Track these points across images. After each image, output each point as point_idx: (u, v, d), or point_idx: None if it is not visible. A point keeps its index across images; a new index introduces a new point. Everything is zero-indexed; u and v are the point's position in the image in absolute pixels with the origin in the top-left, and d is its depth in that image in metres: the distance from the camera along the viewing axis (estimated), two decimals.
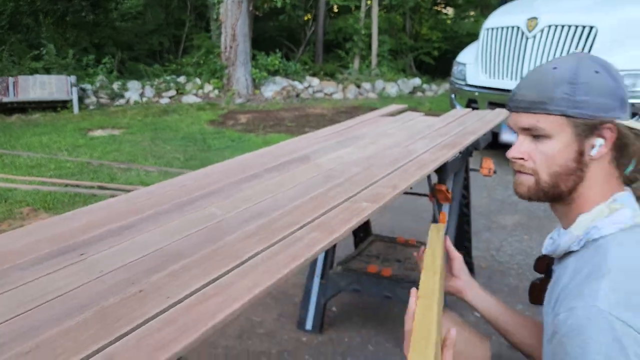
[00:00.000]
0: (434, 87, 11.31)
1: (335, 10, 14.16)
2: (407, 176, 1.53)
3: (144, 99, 9.25)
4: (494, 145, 4.06)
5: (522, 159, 1.03)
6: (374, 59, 11.65)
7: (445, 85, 10.95)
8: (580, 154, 0.99)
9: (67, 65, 9.29)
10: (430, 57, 13.23)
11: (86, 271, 0.92)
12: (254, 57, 10.16)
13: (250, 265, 0.94)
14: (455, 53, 13.82)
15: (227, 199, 1.33)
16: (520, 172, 1.05)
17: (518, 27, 5.17)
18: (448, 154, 1.85)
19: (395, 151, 1.88)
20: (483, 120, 2.61)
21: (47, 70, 9.11)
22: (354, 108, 8.89)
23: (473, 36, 13.92)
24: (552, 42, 4.92)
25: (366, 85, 10.56)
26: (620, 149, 1.00)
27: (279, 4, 9.30)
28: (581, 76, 0.98)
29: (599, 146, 0.99)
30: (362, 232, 2.85)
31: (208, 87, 9.65)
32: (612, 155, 1.01)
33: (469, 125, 2.48)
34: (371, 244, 2.79)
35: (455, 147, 1.97)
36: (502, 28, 5.34)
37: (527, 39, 5.09)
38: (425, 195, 2.29)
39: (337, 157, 1.80)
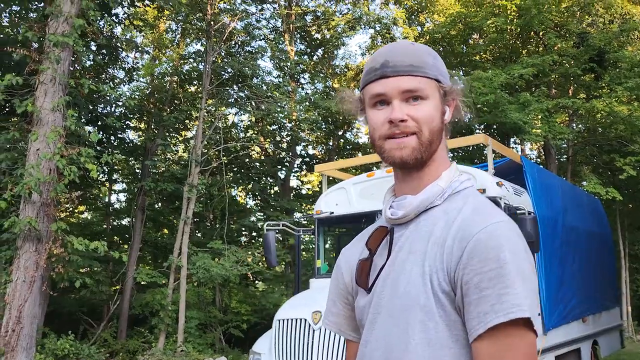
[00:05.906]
0: None
1: (143, 283, 13.97)
2: None
3: None
4: None
5: (405, 120, 1.10)
6: (180, 336, 11.30)
7: None
8: (443, 116, 1.15)
9: None
10: (239, 331, 13.25)
11: None
12: (44, 336, 9.16)
13: None
14: (263, 324, 14.11)
15: None
16: (399, 136, 1.11)
17: (305, 320, 5.55)
18: None
19: None
20: None
21: None
22: None
23: (279, 307, 14.50)
24: (335, 334, 5.31)
25: None
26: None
27: (77, 284, 8.90)
28: (433, 51, 1.16)
29: (448, 112, 1.16)
30: None
31: None
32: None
33: None
34: None
35: None
36: (292, 320, 5.68)
37: (313, 330, 5.44)
38: None
39: None
